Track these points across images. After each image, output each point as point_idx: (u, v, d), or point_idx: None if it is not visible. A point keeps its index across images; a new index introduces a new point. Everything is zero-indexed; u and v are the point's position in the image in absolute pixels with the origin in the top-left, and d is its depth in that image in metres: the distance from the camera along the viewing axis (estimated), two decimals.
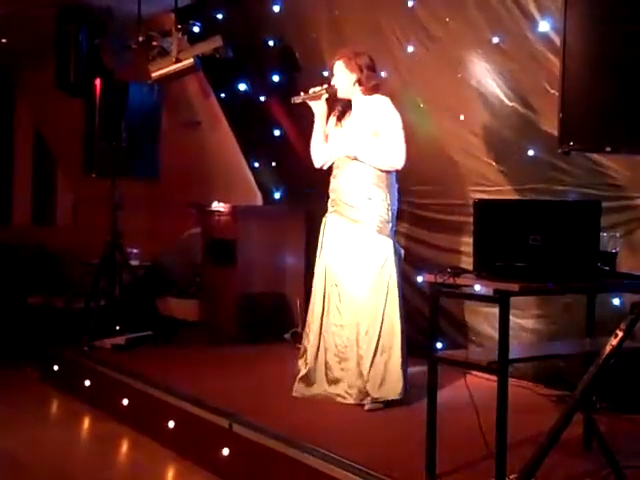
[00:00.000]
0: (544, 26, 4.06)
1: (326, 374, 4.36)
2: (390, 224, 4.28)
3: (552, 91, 4.05)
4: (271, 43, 6.10)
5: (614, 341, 2.70)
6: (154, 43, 6.33)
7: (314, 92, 4.43)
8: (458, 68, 4.67)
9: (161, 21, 6.61)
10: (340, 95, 4.43)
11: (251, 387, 4.63)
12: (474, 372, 3.41)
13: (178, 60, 6.17)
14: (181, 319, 6.80)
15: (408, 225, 5.44)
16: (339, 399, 4.27)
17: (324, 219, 4.47)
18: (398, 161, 4.25)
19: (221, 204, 6.42)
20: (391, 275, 4.22)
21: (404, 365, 4.20)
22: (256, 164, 6.89)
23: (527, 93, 4.39)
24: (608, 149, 2.78)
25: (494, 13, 4.31)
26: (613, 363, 2.71)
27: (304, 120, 4.86)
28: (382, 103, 4.31)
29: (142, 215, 8.16)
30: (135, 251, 7.03)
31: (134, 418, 4.81)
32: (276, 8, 5.87)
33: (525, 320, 4.67)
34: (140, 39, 6.34)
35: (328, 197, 4.48)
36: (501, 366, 2.87)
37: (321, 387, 4.36)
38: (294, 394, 4.38)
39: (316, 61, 5.57)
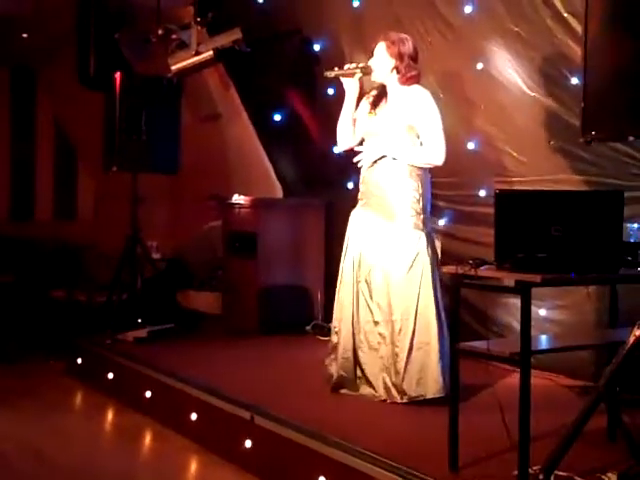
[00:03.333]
0: (565, 14, 4.03)
1: (361, 374, 4.22)
2: (422, 216, 4.12)
3: (574, 80, 4.01)
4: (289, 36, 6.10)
5: (638, 331, 2.68)
6: (173, 36, 6.33)
7: (348, 68, 4.26)
8: (478, 58, 4.64)
9: (180, 14, 6.62)
10: (374, 78, 4.25)
11: (272, 379, 4.64)
12: (496, 363, 3.39)
13: (198, 53, 6.17)
14: (202, 312, 6.83)
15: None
16: (376, 399, 4.14)
17: (352, 213, 4.31)
18: (438, 159, 4.10)
19: (242, 197, 6.42)
20: (423, 270, 4.06)
21: (445, 361, 3.94)
22: (276, 156, 6.89)
23: (548, 82, 4.35)
24: (631, 138, 2.75)
25: (514, 1, 4.28)
26: (637, 354, 2.69)
27: (325, 112, 4.85)
28: (421, 95, 4.11)
29: (163, 208, 8.19)
30: (156, 244, 7.07)
31: (157, 410, 4.84)
32: (296, 0, 5.86)
33: (548, 311, 4.64)
34: (159, 32, 6.33)
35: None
36: (523, 357, 2.85)
37: (359, 389, 4.23)
38: (341, 391, 4.24)
39: (335, 53, 5.55)
